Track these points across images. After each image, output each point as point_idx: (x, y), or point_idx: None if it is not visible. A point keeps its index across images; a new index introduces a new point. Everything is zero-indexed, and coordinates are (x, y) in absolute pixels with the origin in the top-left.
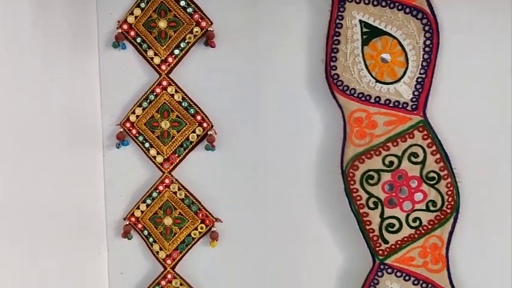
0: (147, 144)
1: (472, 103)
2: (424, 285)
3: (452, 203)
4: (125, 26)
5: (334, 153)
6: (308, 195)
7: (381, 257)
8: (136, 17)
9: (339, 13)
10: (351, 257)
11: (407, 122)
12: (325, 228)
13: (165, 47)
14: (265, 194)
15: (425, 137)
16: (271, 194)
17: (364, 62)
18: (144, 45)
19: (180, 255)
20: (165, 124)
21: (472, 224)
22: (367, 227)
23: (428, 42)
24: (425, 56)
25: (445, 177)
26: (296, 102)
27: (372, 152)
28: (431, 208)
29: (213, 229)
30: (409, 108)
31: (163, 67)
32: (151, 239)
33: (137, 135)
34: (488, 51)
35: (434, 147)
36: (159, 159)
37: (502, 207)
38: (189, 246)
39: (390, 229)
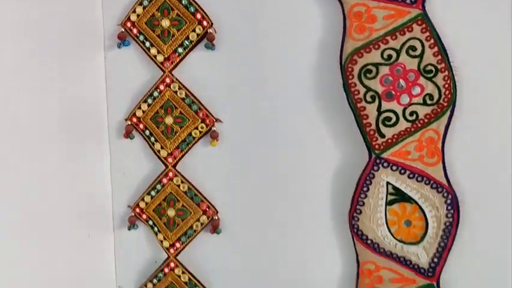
0: (152, 139)
1: None
2: (419, 178)
3: (449, 96)
4: (128, 24)
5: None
6: (307, 96)
7: (377, 151)
8: (138, 15)
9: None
10: (349, 153)
11: (406, 16)
12: (324, 126)
13: (168, 45)
14: (267, 188)
15: (423, 30)
16: (273, 189)
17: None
18: (147, 43)
19: (183, 246)
20: (169, 120)
21: (469, 117)
22: (364, 121)
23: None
24: None
25: (443, 70)
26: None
27: (371, 46)
28: (428, 102)
29: (215, 217)
30: (408, 1)
31: (167, 64)
32: (156, 229)
33: (144, 129)
34: None
35: (432, 41)
36: (163, 153)
37: (500, 100)
38: (191, 237)
39: (387, 123)
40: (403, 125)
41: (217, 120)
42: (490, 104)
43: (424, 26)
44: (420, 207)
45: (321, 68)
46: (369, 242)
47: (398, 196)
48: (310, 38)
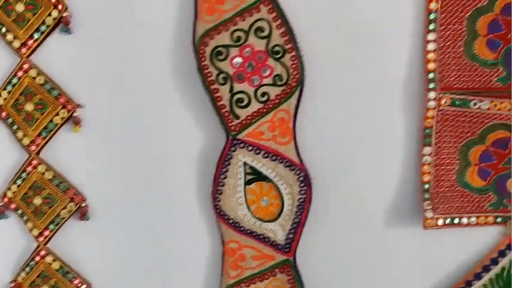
0: (14, 127)
1: None
2: (273, 157)
3: (297, 76)
4: None
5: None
6: (165, 74)
7: (233, 133)
8: None
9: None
10: (210, 135)
11: None
12: (186, 108)
13: (23, 30)
14: (134, 174)
15: (270, 10)
16: (140, 174)
17: None
18: (3, 29)
19: (52, 233)
20: (29, 107)
21: (317, 96)
22: (219, 103)
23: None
24: None
25: (290, 50)
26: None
27: (221, 28)
28: (278, 82)
29: (82, 204)
30: None
31: (24, 50)
32: (25, 218)
33: (6, 117)
34: None
35: (279, 21)
36: (26, 141)
37: (347, 80)
38: (59, 225)
39: (240, 104)
40: (255, 106)
41: (78, 105)
42: (338, 84)
43: (271, 6)
44: (276, 186)
45: (178, 49)
46: (230, 221)
47: (256, 175)
48: (167, 20)
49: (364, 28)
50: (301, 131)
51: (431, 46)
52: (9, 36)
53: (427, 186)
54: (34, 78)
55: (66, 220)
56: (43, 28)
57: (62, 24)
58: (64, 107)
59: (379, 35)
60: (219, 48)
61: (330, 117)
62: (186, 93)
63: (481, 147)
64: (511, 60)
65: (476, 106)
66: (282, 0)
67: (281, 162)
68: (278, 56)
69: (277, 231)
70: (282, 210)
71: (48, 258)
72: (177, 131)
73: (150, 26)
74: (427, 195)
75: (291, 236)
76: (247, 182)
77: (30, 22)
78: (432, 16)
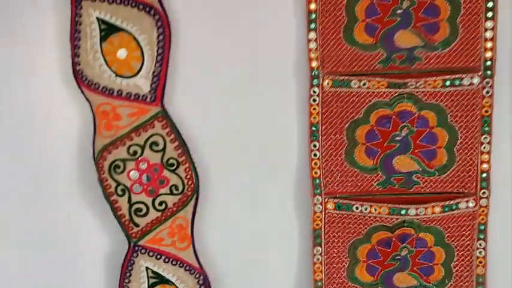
0: None
1: (207, 94)
2: (173, 262)
3: (192, 186)
4: None
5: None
6: (69, 186)
7: (134, 239)
8: None
9: (77, 11)
10: (114, 242)
11: (148, 113)
12: (93, 219)
13: None
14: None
15: (164, 126)
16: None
17: (104, 57)
18: None
19: None
20: None
21: (215, 203)
22: (119, 213)
23: (161, 37)
24: (160, 51)
25: (184, 162)
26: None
27: (118, 143)
28: (175, 192)
29: None
30: (148, 100)
31: None
32: None
33: None
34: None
35: (173, 136)
36: None
37: (241, 188)
38: None
39: (139, 213)
40: (153, 214)
41: None
42: (233, 189)
43: (164, 122)
44: None
45: (81, 162)
46: None
47: (159, 279)
48: (70, 135)
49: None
50: (199, 236)
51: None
52: None
53: (319, 284)
54: None
55: None
56: None
57: None
58: None
59: (270, 143)
60: (117, 162)
61: (225, 221)
62: (91, 201)
63: (367, 245)
64: None
65: (359, 209)
66: (174, 115)
67: (181, 267)
68: (173, 168)
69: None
70: None
71: None
72: (83, 237)
73: (54, 142)
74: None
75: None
76: (150, 286)
77: None
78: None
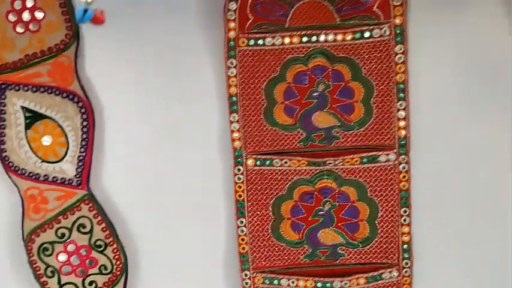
0: None
1: (133, 174)
2: None
3: (120, 265)
4: None
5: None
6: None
7: None
8: None
9: (1, 100)
10: None
11: (74, 197)
12: None
13: None
14: None
15: (91, 208)
16: None
17: (29, 144)
18: None
19: None
20: None
21: (145, 281)
22: None
23: (85, 123)
24: (84, 136)
25: (111, 243)
26: None
27: (46, 226)
28: (104, 272)
29: None
30: (74, 183)
31: None
32: None
33: None
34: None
35: (100, 218)
36: None
37: (171, 265)
38: None
39: None
40: None
41: None
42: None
43: (91, 205)
44: None
45: (12, 245)
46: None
47: None
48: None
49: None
50: None
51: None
52: None
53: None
54: None
55: None
56: None
57: None
58: None
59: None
60: (46, 245)
61: None
62: (25, 281)
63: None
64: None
65: (286, 283)
66: (101, 197)
67: None
68: (101, 249)
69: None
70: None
71: None
72: None
73: None
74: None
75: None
76: None
77: None
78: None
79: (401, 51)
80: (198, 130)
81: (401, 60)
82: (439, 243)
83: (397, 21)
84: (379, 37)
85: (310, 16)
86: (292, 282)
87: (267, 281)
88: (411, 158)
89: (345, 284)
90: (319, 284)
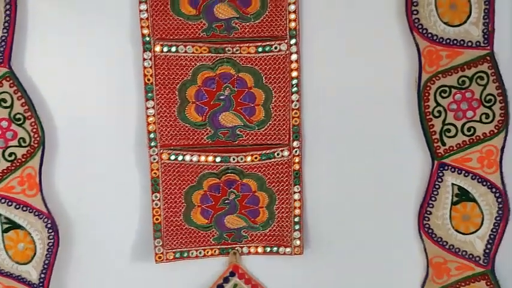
0: None
1: (52, 55)
2: (24, 208)
3: (38, 138)
4: None
5: None
6: None
7: None
8: None
9: None
10: None
11: None
12: None
13: None
14: None
15: (11, 85)
16: None
17: None
18: None
19: None
20: None
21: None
22: None
23: (8, 6)
24: (7, 18)
25: (29, 117)
26: None
27: None
28: (23, 144)
29: None
30: None
31: None
32: None
33: None
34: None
35: (19, 93)
36: None
37: (88, 143)
38: None
39: None
40: (4, 164)
41: None
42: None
43: (11, 81)
44: (29, 233)
45: None
46: None
47: (11, 225)
48: None
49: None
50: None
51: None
52: None
53: (159, 227)
54: None
55: None
56: None
57: None
58: None
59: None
60: None
61: (73, 172)
62: None
63: (200, 191)
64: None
65: (189, 159)
66: (21, 75)
67: (31, 212)
68: (19, 122)
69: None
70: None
71: None
72: None
73: None
74: (158, 234)
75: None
76: (4, 231)
77: None
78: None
79: (296, 59)
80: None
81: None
82: (329, 126)
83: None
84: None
85: None
86: (195, 158)
87: (173, 157)
88: (302, 48)
89: (241, 158)
90: (217, 159)
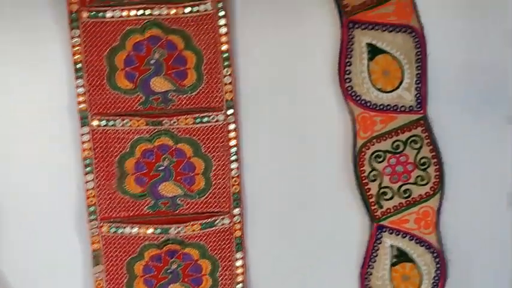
0: None
1: None
2: None
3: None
4: None
5: None
6: None
7: None
8: None
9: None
10: None
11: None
12: None
13: None
14: None
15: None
16: None
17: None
18: None
19: None
20: None
21: None
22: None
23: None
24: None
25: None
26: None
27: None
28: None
29: None
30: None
31: None
32: None
33: None
34: None
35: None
36: None
37: None
38: None
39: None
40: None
41: None
42: None
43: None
44: None
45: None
46: None
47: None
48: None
49: None
50: None
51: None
52: None
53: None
54: None
55: None
56: None
57: None
58: None
59: None
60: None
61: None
62: None
63: (142, 262)
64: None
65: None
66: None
67: None
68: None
69: None
70: None
71: None
72: None
73: None
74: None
75: None
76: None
77: None
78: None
79: (224, 23)
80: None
81: (224, 32)
82: (270, 193)
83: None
84: (204, 11)
85: None
86: (135, 229)
87: (113, 230)
88: (241, 117)
89: (181, 229)
90: (158, 231)
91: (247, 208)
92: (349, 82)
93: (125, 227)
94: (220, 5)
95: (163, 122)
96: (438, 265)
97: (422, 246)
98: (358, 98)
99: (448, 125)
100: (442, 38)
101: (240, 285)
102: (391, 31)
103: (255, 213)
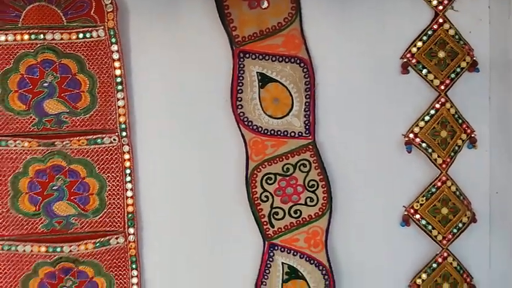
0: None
1: None
2: None
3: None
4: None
5: None
6: None
7: None
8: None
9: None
10: None
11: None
12: None
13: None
14: None
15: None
16: None
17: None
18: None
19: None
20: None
21: None
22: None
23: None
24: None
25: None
26: None
27: None
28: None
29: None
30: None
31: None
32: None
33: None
34: None
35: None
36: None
37: None
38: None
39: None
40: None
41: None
42: None
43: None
44: None
45: None
46: None
47: None
48: None
49: None
50: None
51: None
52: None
53: None
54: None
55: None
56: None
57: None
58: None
59: None
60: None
61: None
62: None
63: (37, 279)
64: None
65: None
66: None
67: None
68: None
69: None
70: None
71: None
72: None
73: None
74: None
75: None
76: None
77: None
78: None
79: (116, 49)
80: None
81: (117, 57)
82: (165, 212)
83: (110, 24)
84: (97, 37)
85: (40, 18)
86: (27, 247)
87: (5, 247)
88: (137, 139)
89: (74, 248)
90: (50, 249)
91: (142, 227)
92: (241, 108)
93: (17, 245)
94: (112, 32)
95: (56, 143)
96: (327, 282)
97: (312, 264)
98: (249, 124)
99: (340, 149)
100: (331, 67)
101: None
102: (280, 61)
103: (150, 232)
